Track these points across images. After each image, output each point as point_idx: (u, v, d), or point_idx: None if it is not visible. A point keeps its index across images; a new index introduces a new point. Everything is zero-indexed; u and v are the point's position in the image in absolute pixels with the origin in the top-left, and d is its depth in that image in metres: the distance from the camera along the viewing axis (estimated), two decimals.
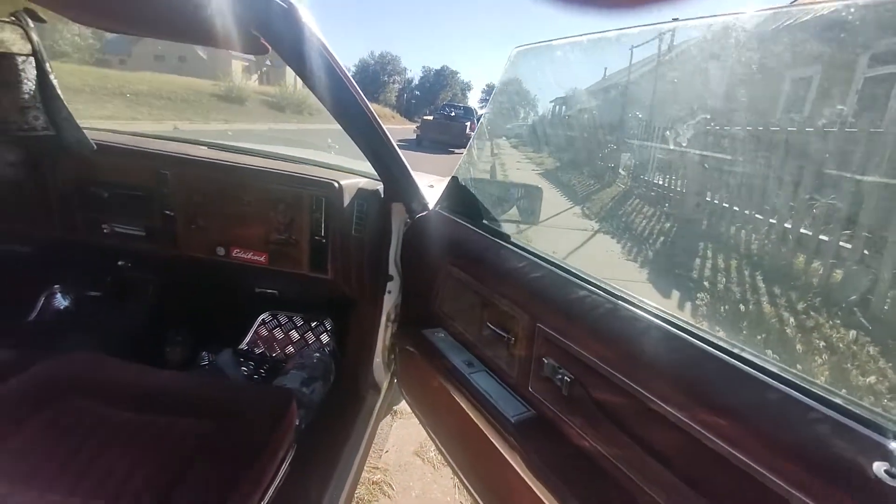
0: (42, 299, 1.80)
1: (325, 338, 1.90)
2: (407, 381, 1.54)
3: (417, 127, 18.84)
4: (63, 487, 0.84)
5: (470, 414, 1.07)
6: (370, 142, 1.23)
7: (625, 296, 0.85)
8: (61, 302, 1.86)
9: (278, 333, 1.92)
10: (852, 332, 2.67)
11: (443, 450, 1.35)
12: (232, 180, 1.42)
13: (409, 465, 1.69)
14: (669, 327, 0.75)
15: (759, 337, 2.74)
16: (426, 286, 1.36)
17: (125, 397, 1.07)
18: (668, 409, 0.68)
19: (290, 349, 1.88)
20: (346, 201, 1.38)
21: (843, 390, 0.57)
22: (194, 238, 1.47)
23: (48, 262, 1.72)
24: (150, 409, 1.05)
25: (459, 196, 1.36)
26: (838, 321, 2.92)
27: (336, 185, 1.35)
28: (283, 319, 1.94)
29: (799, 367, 0.63)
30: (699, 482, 0.65)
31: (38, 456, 0.91)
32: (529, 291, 0.98)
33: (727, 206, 4.85)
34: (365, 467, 1.67)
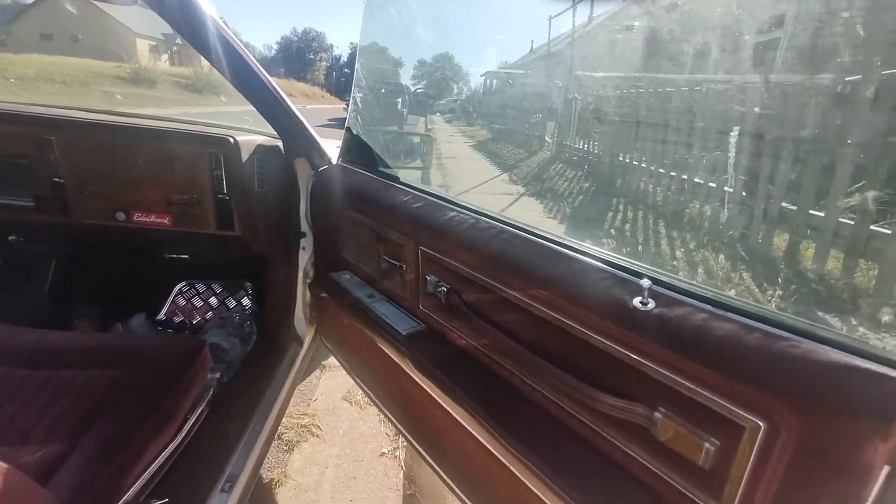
0: None
1: (246, 301, 1.94)
2: (326, 328, 1.63)
3: (347, 105, 18.29)
4: None
5: (373, 338, 1.19)
6: (263, 99, 1.28)
7: (484, 211, 0.99)
8: None
9: (197, 301, 1.93)
10: (723, 258, 3.05)
11: (357, 380, 1.46)
12: (123, 142, 1.40)
13: (337, 409, 1.80)
14: (517, 231, 0.90)
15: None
16: (333, 236, 1.45)
17: (23, 357, 1.08)
18: (513, 293, 0.83)
19: (211, 315, 1.90)
20: (245, 157, 1.41)
21: (620, 257, 0.75)
22: (89, 204, 1.45)
23: None
24: (51, 365, 1.06)
25: (356, 147, 1.44)
26: (721, 255, 3.34)
27: (231, 140, 1.38)
28: (200, 287, 1.95)
29: (589, 242, 0.80)
30: (536, 343, 0.81)
31: None
32: (412, 220, 1.10)
33: (636, 163, 5.26)
34: (294, 414, 1.76)
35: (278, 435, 1.64)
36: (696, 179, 4.21)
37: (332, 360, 2.11)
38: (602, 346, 0.69)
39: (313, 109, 24.27)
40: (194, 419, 1.15)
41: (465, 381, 0.93)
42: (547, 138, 9.37)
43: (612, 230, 4.03)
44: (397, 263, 1.16)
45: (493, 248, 0.89)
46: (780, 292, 2.68)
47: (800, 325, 0.56)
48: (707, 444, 0.58)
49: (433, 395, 1.03)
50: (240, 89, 1.21)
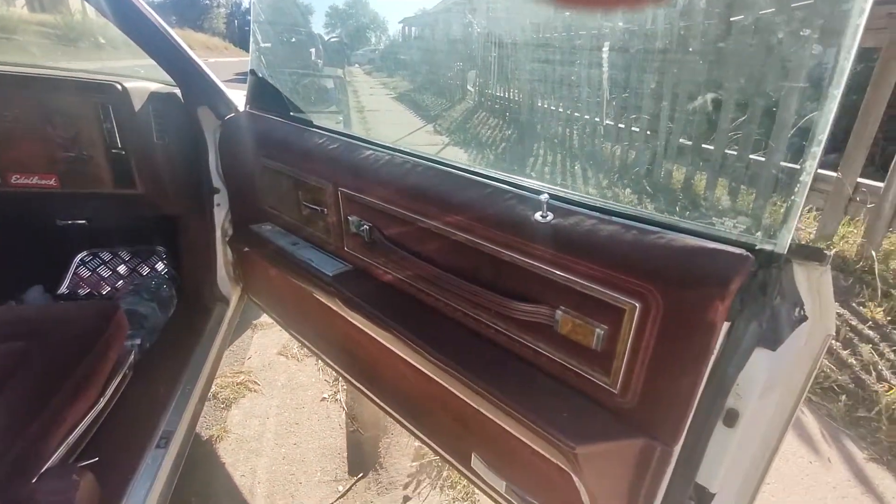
0: None
1: (160, 266, 1.83)
2: (252, 284, 1.60)
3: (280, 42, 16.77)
4: None
5: (301, 284, 1.19)
6: (155, 43, 1.16)
7: (397, 147, 1.01)
8: None
9: (104, 271, 1.79)
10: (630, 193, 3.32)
11: (290, 331, 1.47)
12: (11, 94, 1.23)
13: (274, 364, 1.80)
14: (429, 163, 0.93)
15: None
16: (249, 187, 1.39)
17: None
18: (430, 222, 0.87)
19: (122, 284, 1.78)
20: (138, 107, 1.29)
21: (525, 181, 0.81)
22: None
23: None
24: None
25: (264, 92, 1.37)
26: (629, 190, 3.62)
27: (119, 87, 1.25)
28: (105, 256, 1.80)
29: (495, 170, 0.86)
30: (454, 266, 0.87)
31: None
32: (329, 162, 1.09)
33: (554, 108, 5.43)
34: (228, 374, 1.74)
35: (213, 394, 1.62)
36: (607, 122, 4.45)
37: (262, 319, 2.08)
38: (510, 259, 0.76)
39: (217, 63, 21.94)
40: (117, 383, 1.11)
41: (392, 311, 0.98)
42: (469, 87, 9.30)
43: (532, 174, 4.20)
44: (318, 208, 1.16)
45: (409, 182, 0.92)
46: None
47: (667, 220, 0.66)
48: (598, 330, 0.68)
49: (365, 329, 1.07)
50: (127, 32, 1.09)
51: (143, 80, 1.38)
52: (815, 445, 1.38)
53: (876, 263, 2.10)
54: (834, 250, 2.33)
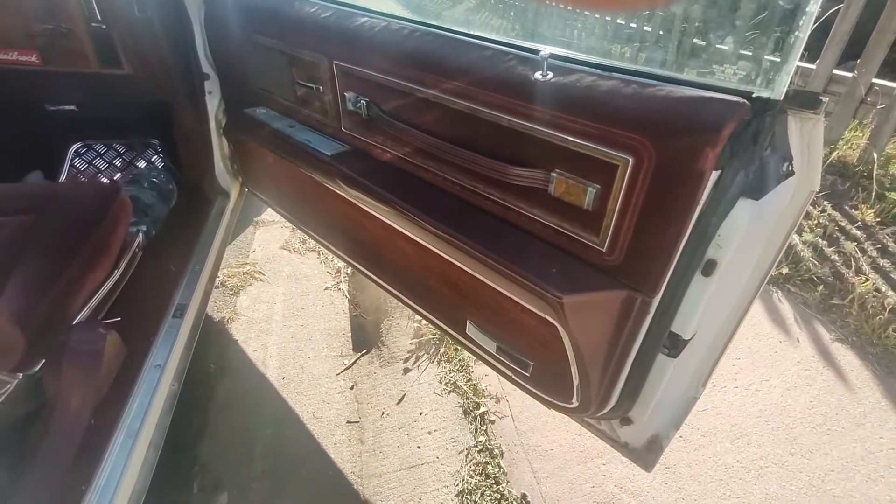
0: None
1: (156, 160, 1.81)
2: (251, 176, 1.60)
3: None
4: None
5: (299, 168, 1.20)
6: None
7: (393, 13, 0.96)
8: None
9: (100, 164, 1.78)
10: None
11: (292, 218, 1.50)
12: None
13: (277, 257, 1.86)
14: (427, 27, 0.89)
15: None
16: (240, 69, 1.34)
17: None
18: (429, 91, 0.85)
19: (119, 177, 1.78)
20: None
21: (525, 43, 0.78)
22: None
23: None
24: None
25: None
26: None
27: None
28: (101, 149, 1.77)
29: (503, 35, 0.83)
30: (454, 136, 0.87)
31: None
32: (323, 34, 1.04)
33: None
34: (234, 265, 1.81)
35: (221, 283, 1.70)
36: (618, 21, 4.16)
37: (264, 216, 2.11)
38: (509, 123, 0.76)
39: None
40: (129, 258, 1.16)
41: (392, 186, 1.00)
42: None
43: (562, 38, 3.99)
44: (313, 86, 1.12)
45: (407, 49, 0.89)
46: None
47: (669, 74, 0.65)
48: (590, 189, 0.70)
49: (365, 207, 1.10)
50: None
51: None
52: (786, 328, 1.48)
53: (875, 167, 2.09)
54: (836, 154, 2.31)
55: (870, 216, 1.91)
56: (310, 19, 1.07)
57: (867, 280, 1.59)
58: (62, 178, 1.73)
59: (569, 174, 0.72)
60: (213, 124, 1.48)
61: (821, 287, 1.59)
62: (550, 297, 0.73)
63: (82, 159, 1.76)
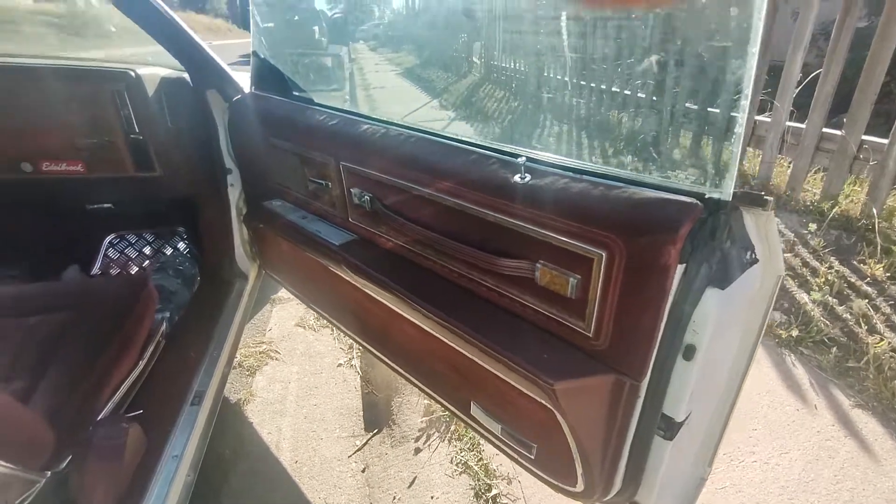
0: None
1: (182, 246, 1.95)
2: (268, 259, 1.70)
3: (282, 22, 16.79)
4: None
5: (311, 256, 1.29)
6: (162, 30, 1.24)
7: (392, 120, 1.08)
8: None
9: (131, 252, 1.92)
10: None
11: (305, 300, 1.58)
12: (13, 86, 1.32)
13: (292, 334, 1.92)
14: (421, 134, 1.00)
15: None
16: (259, 166, 1.48)
17: None
18: (424, 190, 0.95)
19: (148, 264, 1.90)
20: (151, 92, 1.38)
21: (506, 147, 0.88)
22: None
23: None
24: (8, 314, 1.09)
25: (267, 73, 1.44)
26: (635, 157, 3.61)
27: (132, 73, 1.34)
28: (132, 238, 1.92)
29: (482, 137, 0.93)
30: (447, 230, 0.95)
31: None
32: (331, 138, 1.17)
33: (560, 77, 5.38)
34: (251, 344, 1.87)
35: (239, 363, 1.76)
36: (613, 89, 4.41)
37: (281, 294, 2.20)
38: (494, 219, 0.84)
39: (221, 46, 21.86)
40: (152, 348, 1.24)
41: (393, 274, 1.07)
42: (475, 59, 9.21)
43: (538, 145, 4.20)
44: (323, 182, 1.24)
45: (403, 152, 1.00)
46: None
47: (631, 176, 0.73)
48: (571, 279, 0.76)
49: (371, 293, 1.17)
50: (135, 20, 1.17)
51: (154, 66, 1.46)
52: (802, 394, 1.44)
53: (877, 221, 2.11)
54: (837, 209, 2.34)
55: (879, 271, 1.90)
56: (320, 125, 1.21)
57: (882, 339, 1.56)
58: (96, 267, 1.86)
59: (551, 265, 0.78)
60: (234, 213, 1.61)
61: (834, 349, 1.56)
62: (543, 384, 0.76)
63: (115, 249, 1.91)
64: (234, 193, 1.59)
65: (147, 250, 1.94)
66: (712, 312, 0.67)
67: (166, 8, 1.22)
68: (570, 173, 0.78)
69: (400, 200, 1.04)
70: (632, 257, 0.68)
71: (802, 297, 1.85)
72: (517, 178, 0.80)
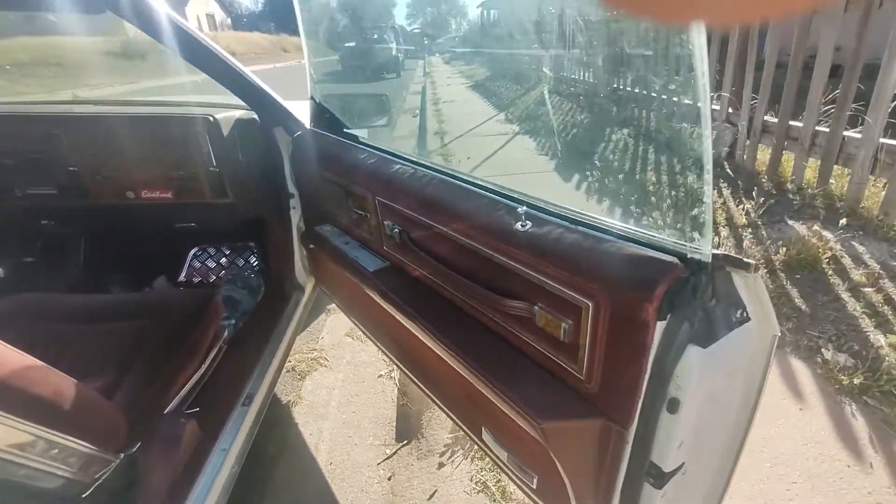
0: None
1: (252, 259, 2.19)
2: (321, 276, 1.88)
3: (340, 56, 17.93)
4: None
5: (352, 278, 1.42)
6: (232, 81, 1.44)
7: (420, 161, 1.17)
8: None
9: (210, 263, 2.20)
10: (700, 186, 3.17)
11: (349, 316, 1.72)
12: (120, 131, 1.60)
13: (342, 344, 2.08)
14: (442, 176, 1.08)
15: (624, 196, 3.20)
16: (314, 193, 1.65)
17: (73, 316, 1.35)
18: (442, 228, 1.03)
19: (224, 273, 2.17)
20: (227, 132, 1.60)
21: (509, 189, 0.93)
22: (103, 187, 1.67)
23: None
24: (96, 321, 1.34)
25: (321, 113, 1.61)
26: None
27: (211, 119, 1.56)
28: (211, 251, 2.20)
29: (495, 181, 0.99)
30: (461, 266, 1.02)
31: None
32: (369, 175, 1.29)
33: (629, 90, 5.20)
34: (305, 350, 2.06)
35: (292, 367, 1.94)
36: (685, 100, 4.20)
37: (334, 305, 2.38)
38: (499, 262, 0.90)
39: (285, 67, 23.62)
40: (214, 353, 1.43)
41: (415, 302, 1.16)
42: (545, 70, 9.12)
43: (597, 161, 4.10)
44: (363, 213, 1.36)
45: (426, 193, 1.08)
46: (753, 205, 2.81)
47: (623, 230, 0.76)
48: (564, 325, 0.80)
49: (399, 319, 1.26)
50: (210, 73, 1.37)
51: (230, 107, 1.69)
52: (858, 449, 1.31)
53: None
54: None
55: None
56: (361, 163, 1.34)
57: None
58: (183, 275, 2.16)
59: (547, 309, 0.83)
60: (294, 233, 1.80)
61: None
62: (532, 422, 0.81)
63: (198, 260, 2.20)
64: (296, 216, 1.77)
65: (223, 262, 2.21)
66: (695, 369, 0.68)
67: (237, 63, 1.42)
68: (567, 223, 0.82)
69: (423, 236, 1.13)
70: (615, 310, 0.71)
71: (878, 338, 1.67)
72: (518, 225, 0.86)
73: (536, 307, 0.85)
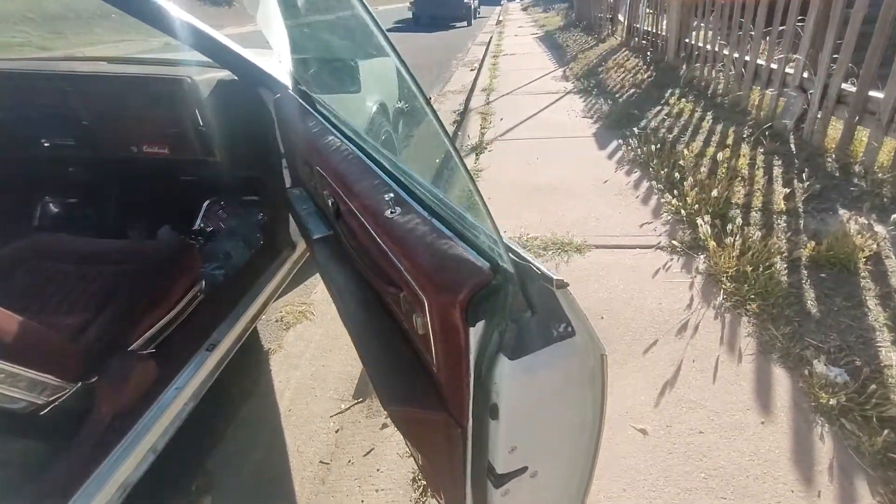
0: (38, 209, 2.28)
1: (255, 213, 2.33)
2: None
3: (412, 3, 17.48)
4: (38, 310, 1.33)
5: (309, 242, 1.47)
6: (204, 46, 1.48)
7: (349, 134, 1.16)
8: (52, 209, 2.34)
9: (222, 214, 2.37)
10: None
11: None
12: (116, 90, 1.73)
13: (330, 300, 2.18)
14: (356, 151, 1.07)
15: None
16: (293, 154, 1.70)
17: (72, 257, 1.54)
18: (350, 204, 1.03)
19: (233, 223, 2.33)
20: (208, 93, 1.67)
21: (408, 175, 0.90)
22: (111, 140, 1.83)
23: (29, 177, 2.15)
24: (88, 263, 1.52)
25: (296, 76, 1.62)
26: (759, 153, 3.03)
27: (189, 80, 1.63)
28: (223, 203, 2.37)
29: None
30: (364, 242, 1.02)
31: (20, 296, 1.40)
32: (311, 145, 1.30)
33: (702, 45, 4.61)
34: (296, 302, 2.19)
35: (280, 318, 2.09)
36: (758, 62, 3.66)
37: None
38: (379, 245, 0.89)
39: (384, 11, 23.37)
40: (188, 300, 1.57)
41: (337, 275, 1.19)
42: (620, 17, 8.29)
43: (646, 129, 3.75)
44: (313, 181, 1.39)
45: (340, 169, 1.08)
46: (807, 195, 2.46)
47: (466, 224, 0.72)
48: (415, 316, 0.79)
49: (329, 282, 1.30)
50: (187, 43, 1.41)
51: (213, 68, 1.75)
52: (811, 475, 1.17)
53: None
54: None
55: None
56: (307, 132, 1.35)
57: None
58: (197, 224, 2.34)
59: (408, 298, 0.82)
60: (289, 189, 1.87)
61: (887, 432, 1.23)
62: (381, 403, 0.83)
63: (210, 211, 2.37)
64: (287, 174, 1.84)
65: (230, 214, 2.36)
66: (505, 380, 0.65)
67: (211, 30, 1.45)
68: (426, 213, 0.79)
69: (343, 209, 1.14)
70: (441, 309, 0.69)
71: (891, 356, 1.45)
72: (388, 211, 0.84)
73: (402, 295, 0.84)
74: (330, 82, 1.65)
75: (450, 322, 0.66)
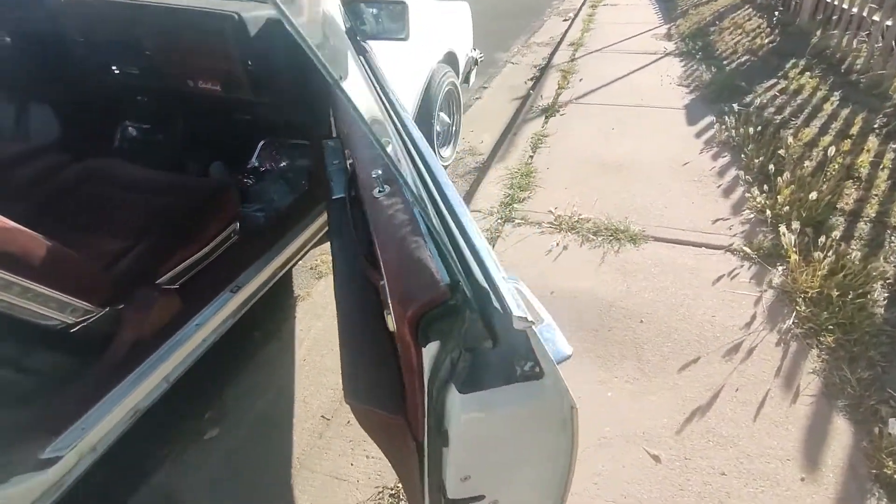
0: (119, 132, 2.44)
1: (305, 158, 2.33)
2: None
3: None
4: (86, 231, 1.42)
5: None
6: None
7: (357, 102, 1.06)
8: (131, 133, 2.49)
9: (276, 154, 2.39)
10: None
11: None
12: (171, 21, 1.72)
13: None
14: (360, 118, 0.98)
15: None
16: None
17: (123, 183, 1.62)
18: (359, 175, 0.95)
19: (284, 164, 2.35)
20: (255, 31, 1.61)
21: (405, 149, 0.79)
22: (170, 73, 1.86)
23: (107, 102, 2.28)
24: (136, 191, 1.59)
25: (346, 12, 1.51)
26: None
27: (236, 16, 1.58)
28: (276, 144, 2.38)
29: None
30: (363, 217, 0.95)
31: (74, 218, 1.50)
32: (335, 106, 1.22)
33: (846, 7, 3.81)
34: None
35: (314, 266, 2.12)
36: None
37: None
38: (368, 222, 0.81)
39: None
40: (219, 240, 1.61)
41: (336, 242, 1.14)
42: None
43: (750, 106, 3.23)
44: (339, 138, 1.32)
45: (353, 126, 1.00)
46: None
47: (437, 225, 0.62)
48: (387, 313, 0.71)
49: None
50: None
51: (264, 6, 1.68)
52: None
53: None
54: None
55: None
56: (340, 102, 1.26)
57: None
58: (252, 162, 2.39)
59: (385, 289, 0.74)
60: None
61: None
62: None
63: (266, 151, 2.40)
64: (334, 122, 1.78)
65: (283, 154, 2.38)
66: (453, 413, 0.57)
67: None
68: (411, 197, 0.69)
69: (353, 175, 1.07)
70: (396, 316, 0.61)
71: None
72: (376, 190, 0.75)
73: (381, 283, 0.77)
74: (375, 27, 1.53)
75: (403, 336, 0.58)
